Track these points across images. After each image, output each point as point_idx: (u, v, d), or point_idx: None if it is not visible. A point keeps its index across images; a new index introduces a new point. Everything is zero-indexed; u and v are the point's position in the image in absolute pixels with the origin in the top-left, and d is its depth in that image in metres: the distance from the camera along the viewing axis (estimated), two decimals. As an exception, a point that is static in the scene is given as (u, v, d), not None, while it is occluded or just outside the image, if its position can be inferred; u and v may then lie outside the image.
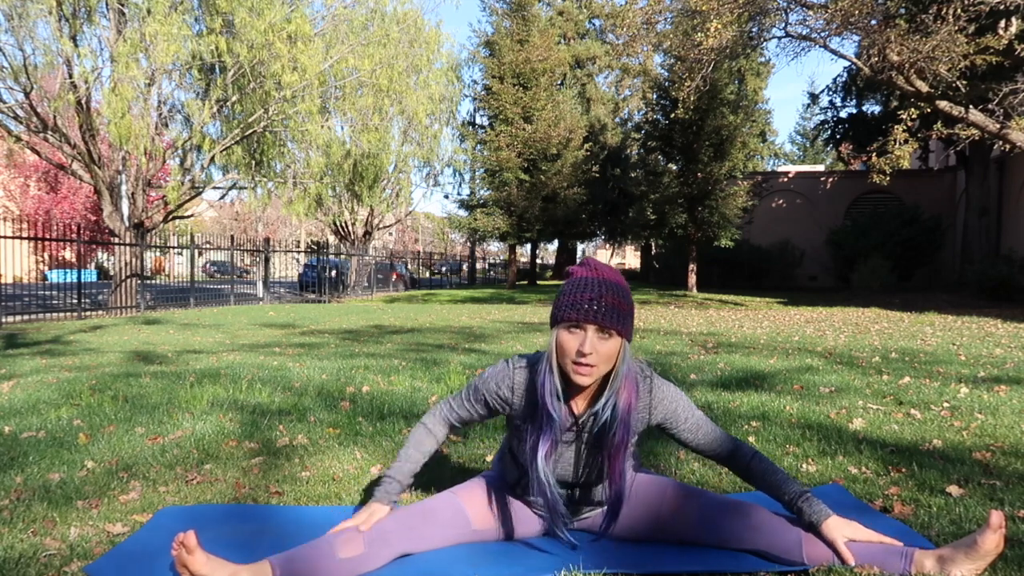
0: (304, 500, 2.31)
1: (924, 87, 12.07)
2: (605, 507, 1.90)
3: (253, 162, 14.91)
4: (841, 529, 1.70)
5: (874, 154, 12.71)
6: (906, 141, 12.21)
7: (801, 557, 1.72)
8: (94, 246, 16.54)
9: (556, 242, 29.70)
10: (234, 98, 13.68)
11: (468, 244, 35.69)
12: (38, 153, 13.67)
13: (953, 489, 2.26)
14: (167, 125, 14.20)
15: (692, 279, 20.80)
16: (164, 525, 2.04)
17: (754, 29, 13.85)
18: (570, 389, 1.78)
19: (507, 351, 6.25)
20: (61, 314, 11.50)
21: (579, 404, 1.82)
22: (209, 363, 5.40)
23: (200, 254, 17.80)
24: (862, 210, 24.34)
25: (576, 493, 1.91)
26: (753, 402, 3.74)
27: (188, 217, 17.58)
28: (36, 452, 2.81)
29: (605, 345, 1.68)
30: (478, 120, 27.58)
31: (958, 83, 11.53)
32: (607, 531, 1.91)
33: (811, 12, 12.43)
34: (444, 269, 39.71)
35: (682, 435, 1.87)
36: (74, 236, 12.82)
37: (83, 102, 12.39)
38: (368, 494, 2.36)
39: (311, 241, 38.93)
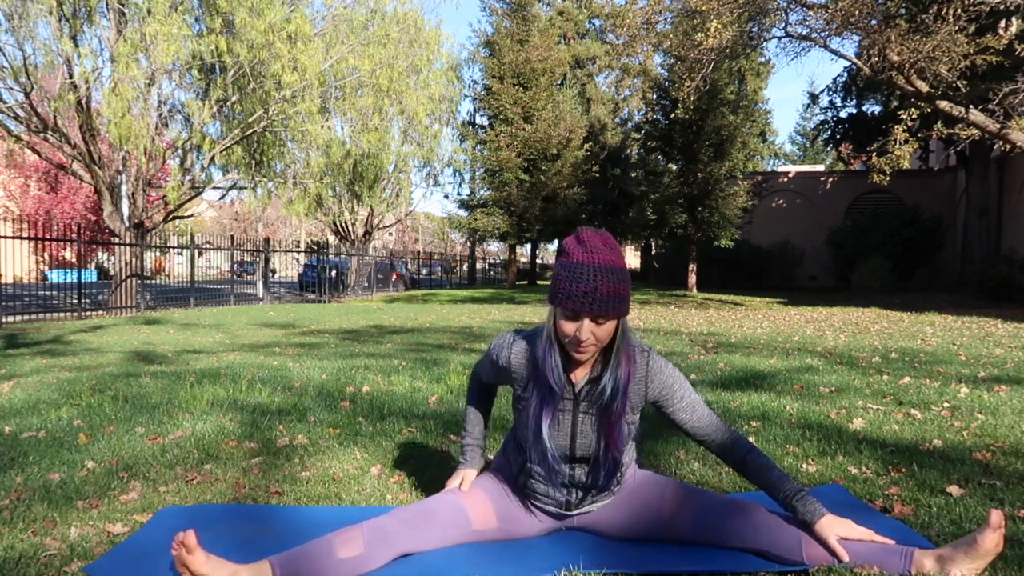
0: (304, 500, 2.31)
1: (924, 87, 12.07)
2: (600, 486, 1.90)
3: (253, 162, 14.91)
4: (834, 527, 1.70)
5: (874, 154, 12.70)
6: (906, 141, 12.21)
7: (801, 557, 1.72)
8: (94, 246, 16.55)
9: (556, 242, 29.67)
10: (234, 98, 13.68)
11: (468, 244, 35.69)
12: (38, 153, 13.66)
13: (953, 489, 2.26)
14: (167, 125, 14.20)
15: (692, 279, 20.80)
16: (164, 525, 2.04)
17: (754, 29, 13.85)
18: (570, 360, 1.82)
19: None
20: (61, 314, 11.50)
21: (577, 373, 1.85)
22: (209, 363, 5.40)
23: (200, 254, 17.83)
24: (862, 210, 24.35)
25: (574, 473, 1.89)
26: (753, 402, 3.74)
27: (188, 217, 17.57)
28: (36, 452, 2.81)
29: (602, 329, 1.72)
30: (478, 120, 27.58)
31: (958, 83, 11.53)
32: (607, 487, 1.92)
33: (811, 12, 12.43)
34: (423, 268, 39.46)
35: (677, 415, 1.87)
36: (74, 236, 12.82)
37: (83, 102, 12.38)
38: (369, 494, 2.36)
39: (311, 241, 38.94)
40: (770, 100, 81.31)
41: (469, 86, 27.70)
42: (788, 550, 1.73)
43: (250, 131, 13.85)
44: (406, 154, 21.74)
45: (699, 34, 12.89)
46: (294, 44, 13.34)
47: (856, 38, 13.47)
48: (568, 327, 1.72)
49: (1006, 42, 11.08)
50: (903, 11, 12.57)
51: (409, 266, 33.55)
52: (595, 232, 1.75)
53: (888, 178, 12.66)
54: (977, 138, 12.26)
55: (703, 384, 4.38)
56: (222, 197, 17.60)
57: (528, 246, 29.50)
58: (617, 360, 1.79)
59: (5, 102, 12.01)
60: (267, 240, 18.80)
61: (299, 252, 25.13)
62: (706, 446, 1.91)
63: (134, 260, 13.40)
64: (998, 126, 11.85)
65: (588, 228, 1.77)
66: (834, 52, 13.04)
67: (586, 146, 25.22)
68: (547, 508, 1.95)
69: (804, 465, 2.60)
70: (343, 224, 23.45)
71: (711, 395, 3.97)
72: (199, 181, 14.57)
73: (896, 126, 12.24)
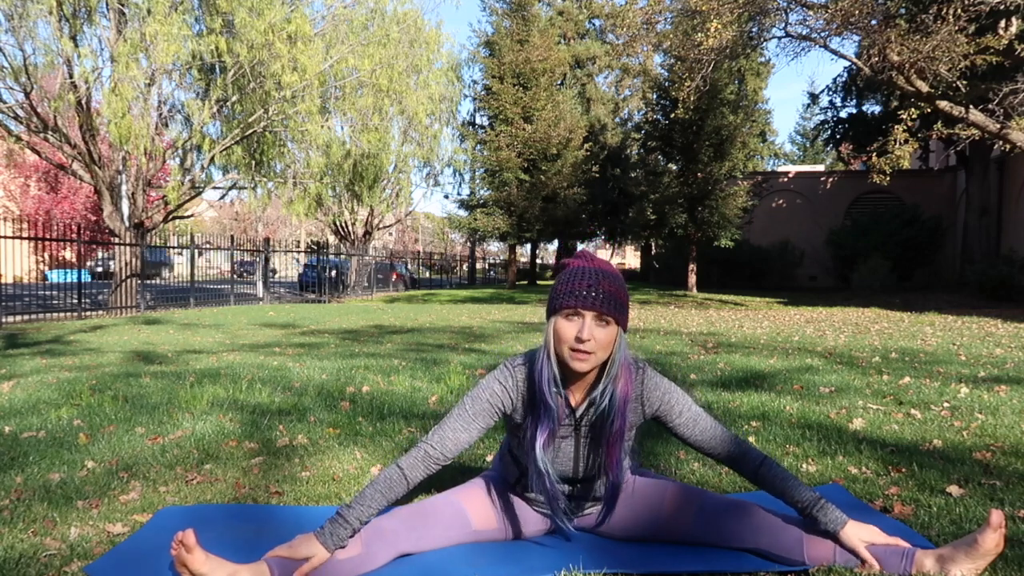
0: (304, 500, 2.31)
1: (924, 87, 12.07)
2: (603, 502, 1.91)
3: (253, 162, 14.91)
4: (859, 535, 1.70)
5: (874, 154, 12.70)
6: (906, 141, 12.20)
7: (802, 557, 1.72)
8: (94, 246, 16.56)
9: (556, 242, 29.68)
10: (234, 98, 13.68)
11: (468, 244, 35.69)
12: (38, 153, 13.66)
13: (953, 489, 2.26)
14: (167, 125, 14.19)
15: (692, 279, 20.79)
16: (164, 525, 2.04)
17: (754, 29, 13.85)
18: (567, 379, 1.78)
19: (507, 351, 6.25)
20: (61, 314, 11.50)
21: (575, 396, 1.82)
22: (209, 363, 5.40)
23: (200, 254, 17.84)
24: (862, 210, 24.34)
25: (576, 489, 1.92)
26: (753, 402, 3.74)
27: (188, 217, 17.57)
28: (36, 452, 2.81)
29: (603, 332, 1.70)
30: (478, 120, 27.58)
31: (958, 83, 11.53)
32: (603, 523, 1.92)
33: (811, 12, 12.42)
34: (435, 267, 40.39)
35: (679, 429, 1.85)
36: (74, 236, 12.82)
37: (83, 102, 12.38)
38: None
39: (311, 241, 38.94)
40: (770, 100, 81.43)
41: (469, 86, 27.73)
42: (789, 550, 1.73)
43: (250, 131, 13.85)
44: (406, 154, 21.75)
45: (699, 34, 12.88)
46: (294, 44, 13.34)
47: (856, 38, 13.47)
48: (569, 328, 1.70)
49: (1006, 42, 11.08)
50: (903, 11, 12.57)
51: (409, 266, 33.58)
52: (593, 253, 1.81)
53: (888, 178, 12.66)
54: (977, 138, 12.25)
55: (703, 384, 4.38)
56: (222, 197, 17.60)
57: (528, 246, 29.50)
58: (612, 375, 1.76)
59: (5, 102, 12.01)
60: (267, 240, 18.80)
61: (299, 252, 25.13)
62: (714, 458, 1.88)
63: (134, 260, 13.39)
64: (998, 126, 11.85)
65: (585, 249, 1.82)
66: (834, 52, 13.04)
67: (586, 146, 25.22)
68: (546, 512, 1.95)
69: (804, 465, 2.60)
70: (343, 224, 23.45)
71: (711, 395, 3.97)
72: (199, 181, 14.56)
73: (896, 126, 12.24)
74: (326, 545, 1.64)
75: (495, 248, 48.25)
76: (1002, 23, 13.49)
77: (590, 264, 1.76)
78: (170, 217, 14.47)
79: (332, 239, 25.73)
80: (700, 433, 1.84)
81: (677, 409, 1.84)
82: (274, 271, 18.08)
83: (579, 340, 1.68)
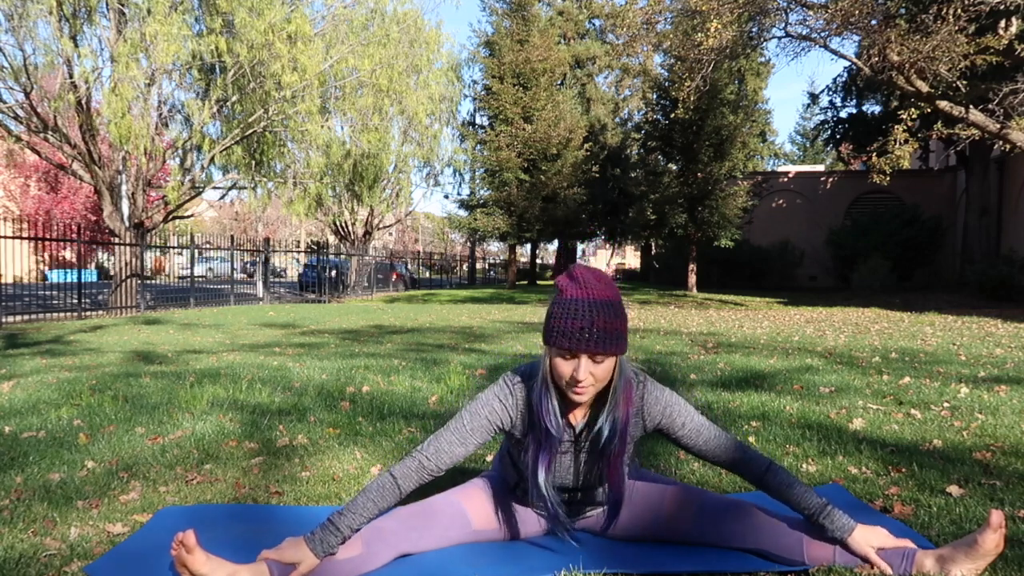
0: (304, 500, 2.31)
1: (924, 87, 12.07)
2: (605, 507, 1.90)
3: (253, 162, 14.91)
4: (868, 540, 1.69)
5: (874, 154, 12.70)
6: (906, 141, 12.20)
7: (802, 557, 1.72)
8: (94, 246, 16.56)
9: (556, 242, 29.67)
10: (234, 98, 13.68)
11: (468, 244, 35.69)
12: (38, 153, 13.66)
13: (953, 489, 2.26)
14: (167, 125, 14.19)
15: (692, 279, 20.79)
16: (164, 525, 2.04)
17: (754, 29, 13.85)
18: (567, 403, 1.78)
19: (507, 351, 6.25)
20: (61, 314, 11.50)
21: (576, 415, 1.82)
22: (209, 363, 5.40)
23: (200, 254, 17.86)
24: (862, 210, 24.35)
25: (577, 495, 1.92)
26: (753, 402, 3.74)
27: (188, 217, 17.57)
28: (36, 452, 2.81)
29: (600, 368, 1.67)
30: (478, 120, 27.59)
31: (958, 83, 11.53)
32: (607, 531, 1.92)
33: (811, 12, 12.42)
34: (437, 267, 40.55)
35: (683, 440, 1.84)
36: (74, 236, 12.82)
37: (83, 102, 12.38)
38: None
39: (311, 241, 38.94)
40: (770, 100, 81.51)
41: (469, 86, 27.74)
42: (789, 550, 1.73)
43: (250, 131, 13.85)
44: (406, 154, 21.75)
45: (699, 34, 12.88)
46: (294, 44, 13.34)
47: (856, 38, 13.47)
48: (565, 367, 1.67)
49: (1006, 42, 11.07)
50: (903, 11, 12.57)
51: (409, 266, 33.58)
52: (588, 268, 1.73)
53: (888, 178, 12.66)
54: (977, 138, 12.25)
55: (703, 384, 4.38)
56: (222, 197, 17.61)
57: (528, 246, 29.49)
58: (614, 402, 1.75)
59: (5, 102, 12.01)
60: (267, 240, 18.80)
61: (299, 252, 25.12)
62: (719, 466, 1.87)
63: (134, 260, 13.39)
64: (998, 126, 11.84)
65: (581, 264, 1.75)
66: (834, 52, 13.04)
67: (586, 146, 25.21)
68: (546, 516, 1.95)
69: (804, 465, 2.60)
70: (343, 224, 23.45)
71: (711, 395, 3.97)
72: (199, 181, 14.56)
73: (896, 126, 12.23)
74: (315, 551, 1.64)
75: (495, 248, 48.27)
76: (1002, 23, 13.49)
77: (583, 294, 1.66)
78: (170, 217, 14.47)
79: (332, 239, 25.74)
80: (704, 443, 1.83)
81: (679, 421, 1.82)
82: (276, 271, 18.05)
83: (575, 380, 1.66)
